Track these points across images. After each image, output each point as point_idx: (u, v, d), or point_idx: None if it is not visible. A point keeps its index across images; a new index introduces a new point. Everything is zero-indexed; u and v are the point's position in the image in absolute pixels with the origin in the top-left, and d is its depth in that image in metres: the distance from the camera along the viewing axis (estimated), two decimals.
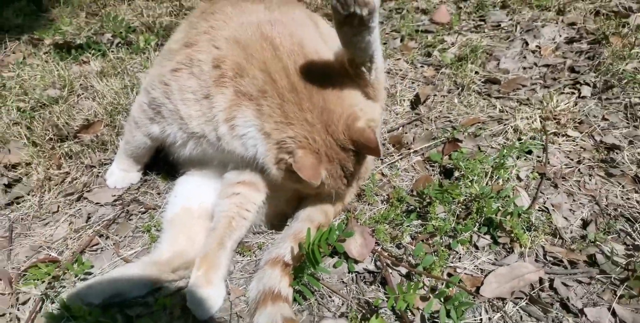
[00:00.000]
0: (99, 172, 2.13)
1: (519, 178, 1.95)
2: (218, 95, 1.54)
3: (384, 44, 2.92)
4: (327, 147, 1.48)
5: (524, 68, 2.65)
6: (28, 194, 2.04)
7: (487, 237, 1.73)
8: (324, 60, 1.56)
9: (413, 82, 2.61)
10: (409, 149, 2.17)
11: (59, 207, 1.98)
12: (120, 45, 3.07)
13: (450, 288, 1.52)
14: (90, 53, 2.97)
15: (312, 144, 1.47)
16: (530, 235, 1.70)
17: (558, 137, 2.14)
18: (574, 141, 2.11)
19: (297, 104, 1.47)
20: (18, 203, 2.01)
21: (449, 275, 1.62)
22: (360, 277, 1.65)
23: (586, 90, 2.37)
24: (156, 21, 3.26)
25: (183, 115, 1.62)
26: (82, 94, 2.61)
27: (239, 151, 1.59)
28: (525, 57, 2.72)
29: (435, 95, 2.48)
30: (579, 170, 1.97)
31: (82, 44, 3.05)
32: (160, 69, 1.72)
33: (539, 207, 1.83)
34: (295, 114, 1.47)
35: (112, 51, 2.96)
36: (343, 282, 1.64)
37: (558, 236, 1.72)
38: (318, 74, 1.52)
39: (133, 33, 3.15)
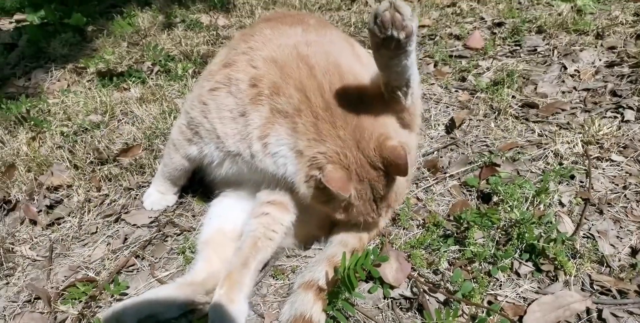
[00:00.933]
0: (137, 195, 2.17)
1: (561, 204, 1.88)
2: (254, 112, 1.56)
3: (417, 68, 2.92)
4: (358, 165, 1.46)
5: (563, 92, 2.59)
6: (68, 215, 2.09)
7: (529, 264, 1.66)
8: (360, 83, 1.57)
9: (447, 107, 2.59)
10: (445, 173, 2.13)
11: (97, 228, 2.02)
12: (159, 72, 3.17)
13: (491, 317, 1.46)
14: (130, 80, 3.08)
15: (343, 160, 1.46)
16: (575, 263, 1.62)
17: (602, 162, 2.07)
18: (618, 166, 2.04)
19: (330, 122, 1.47)
20: (59, 224, 2.06)
21: (489, 303, 1.55)
22: (396, 303, 1.60)
23: (630, 114, 2.30)
24: (194, 50, 3.36)
25: (220, 133, 1.64)
26: (122, 119, 2.69)
27: (271, 169, 1.60)
28: (563, 81, 2.67)
29: (470, 119, 2.45)
30: (625, 195, 1.89)
31: (123, 72, 3.16)
32: (199, 90, 1.77)
33: (584, 234, 1.76)
34: (329, 131, 1.47)
35: (152, 78, 3.06)
36: (378, 308, 1.59)
37: (605, 264, 1.64)
38: (353, 96, 1.52)
39: (172, 61, 3.24)
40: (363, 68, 1.67)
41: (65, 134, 2.57)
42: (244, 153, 1.64)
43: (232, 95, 1.63)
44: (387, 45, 1.29)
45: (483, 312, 1.49)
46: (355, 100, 1.51)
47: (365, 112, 1.50)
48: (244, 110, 1.60)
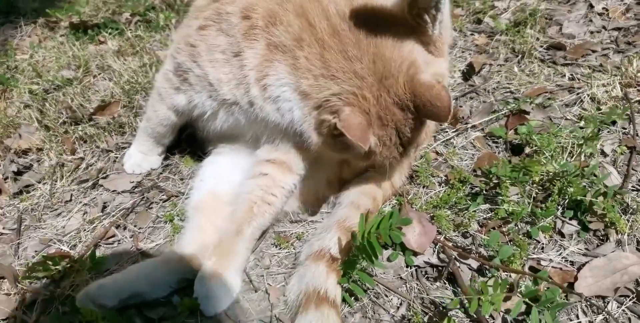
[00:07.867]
0: (116, 157, 1.91)
1: (603, 154, 1.64)
2: (248, 50, 1.29)
3: None
4: (381, 107, 1.20)
5: (591, 32, 2.31)
6: (39, 182, 1.83)
7: (574, 222, 1.43)
8: (377, 5, 1.28)
9: (463, 51, 2.31)
10: (466, 123, 1.88)
11: (72, 195, 1.77)
12: (138, 23, 2.86)
13: (538, 286, 1.24)
14: (107, 32, 2.76)
15: (362, 102, 1.19)
16: (627, 220, 1.39)
17: None
18: None
19: (341, 51, 1.20)
20: (28, 192, 1.80)
21: (531, 269, 1.33)
22: (422, 271, 1.38)
23: None
24: None
25: (212, 80, 1.37)
26: (99, 74, 2.39)
27: (274, 118, 1.34)
28: (591, 21, 2.38)
29: (490, 64, 2.18)
30: None
31: (99, 24, 2.83)
32: (186, 30, 1.49)
33: (632, 186, 1.52)
34: (340, 64, 1.20)
35: (130, 30, 2.74)
36: (401, 278, 1.37)
37: None
38: (369, 18, 1.24)
39: (152, 11, 2.93)
40: None
41: (34, 92, 2.27)
42: (241, 101, 1.37)
43: (224, 32, 1.35)
44: None
45: (525, 280, 1.27)
46: (372, 23, 1.23)
47: (384, 37, 1.21)
48: (237, 49, 1.32)
